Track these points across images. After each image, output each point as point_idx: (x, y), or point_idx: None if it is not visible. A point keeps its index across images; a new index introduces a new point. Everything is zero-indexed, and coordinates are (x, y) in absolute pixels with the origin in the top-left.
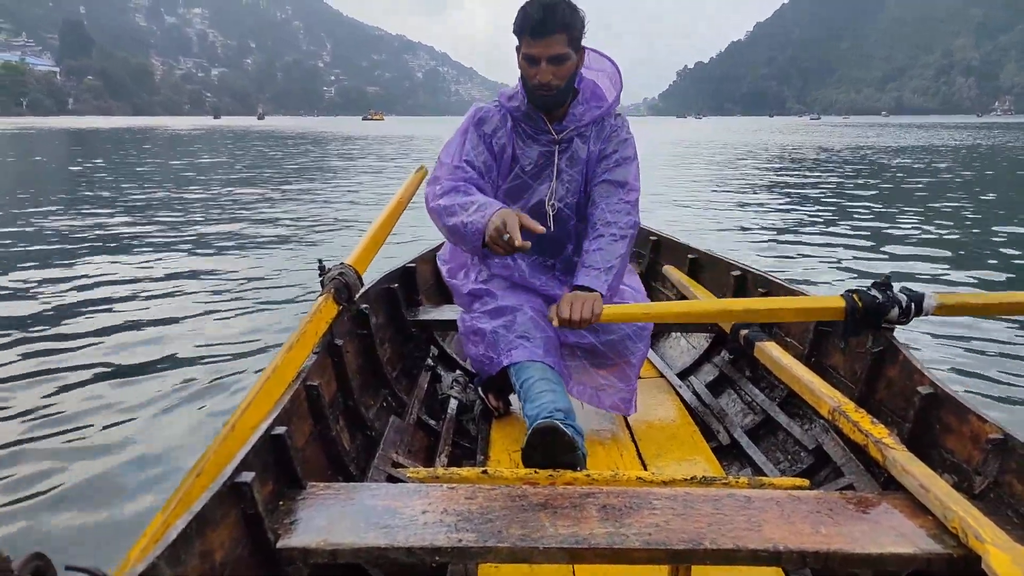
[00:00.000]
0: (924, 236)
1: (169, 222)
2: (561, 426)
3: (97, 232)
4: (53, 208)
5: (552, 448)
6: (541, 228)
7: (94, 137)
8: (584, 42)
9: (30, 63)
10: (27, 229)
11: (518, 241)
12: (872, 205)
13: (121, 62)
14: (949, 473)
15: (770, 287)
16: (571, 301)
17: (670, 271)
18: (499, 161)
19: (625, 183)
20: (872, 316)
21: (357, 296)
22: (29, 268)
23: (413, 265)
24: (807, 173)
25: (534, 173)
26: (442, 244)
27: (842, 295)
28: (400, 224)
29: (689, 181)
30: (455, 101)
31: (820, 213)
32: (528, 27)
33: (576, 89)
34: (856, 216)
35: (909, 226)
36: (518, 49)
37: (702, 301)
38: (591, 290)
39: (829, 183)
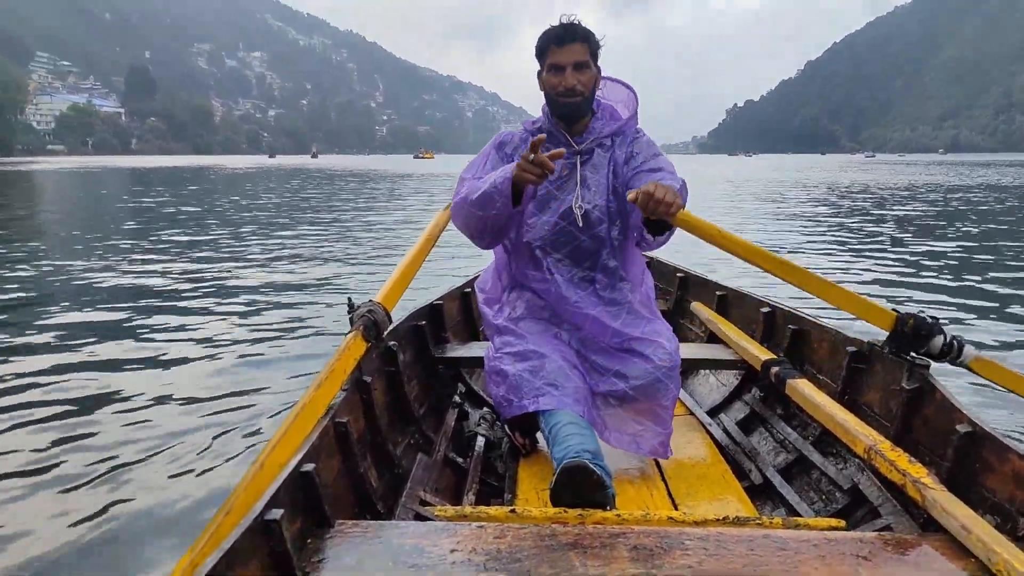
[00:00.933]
0: (993, 285)
1: (209, 257)
2: (590, 464)
3: (143, 259)
4: (100, 242)
5: (581, 487)
6: (562, 150)
7: (153, 175)
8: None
9: (96, 105)
10: (76, 264)
11: (542, 154)
12: (933, 245)
13: (183, 103)
14: (991, 514)
15: (800, 323)
16: (656, 184)
17: (698, 308)
18: None
19: (661, 168)
20: (918, 338)
21: (385, 333)
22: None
23: (440, 302)
24: (867, 210)
25: (559, 184)
26: (478, 274)
27: (895, 310)
28: (427, 262)
29: (740, 216)
30: None
31: (874, 252)
32: (553, 37)
33: (594, 110)
34: (912, 257)
35: (976, 272)
36: (539, 74)
37: (764, 249)
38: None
39: (885, 221)
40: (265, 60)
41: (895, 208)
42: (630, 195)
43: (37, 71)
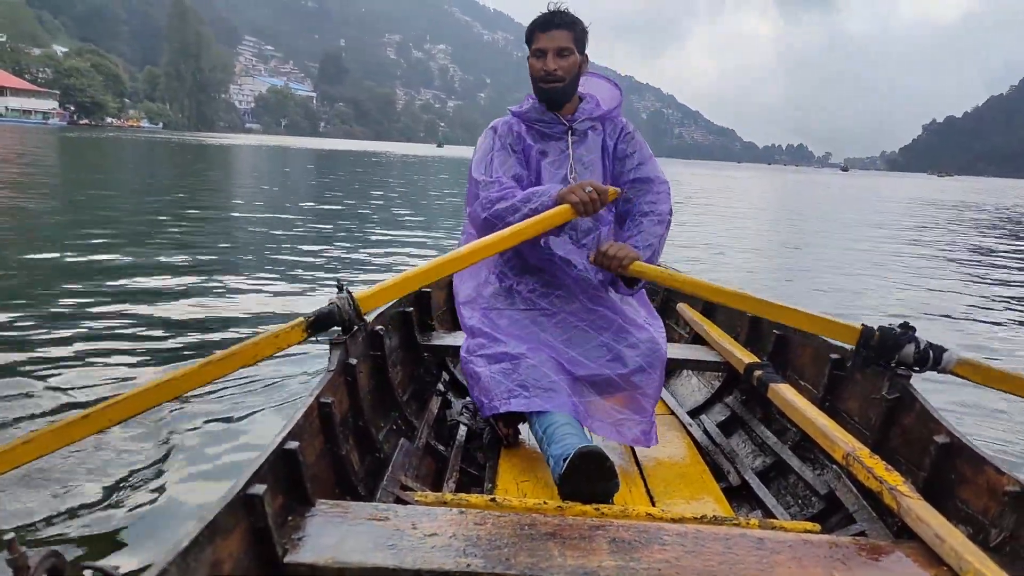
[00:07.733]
0: None
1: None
2: (605, 452)
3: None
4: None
5: (595, 473)
6: (616, 189)
7: (335, 156)
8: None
9: (293, 88)
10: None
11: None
12: None
13: (369, 91)
14: (964, 524)
15: (784, 329)
16: (611, 243)
17: (684, 309)
18: (528, 158)
19: (654, 178)
20: (885, 350)
21: (372, 317)
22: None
23: (428, 290)
24: None
25: (557, 164)
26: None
27: (862, 323)
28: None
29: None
30: (676, 144)
31: None
32: (538, 24)
33: (581, 96)
34: None
35: None
36: (528, 59)
37: (727, 288)
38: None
39: None
40: (449, 53)
41: None
42: (590, 256)
43: (243, 54)
